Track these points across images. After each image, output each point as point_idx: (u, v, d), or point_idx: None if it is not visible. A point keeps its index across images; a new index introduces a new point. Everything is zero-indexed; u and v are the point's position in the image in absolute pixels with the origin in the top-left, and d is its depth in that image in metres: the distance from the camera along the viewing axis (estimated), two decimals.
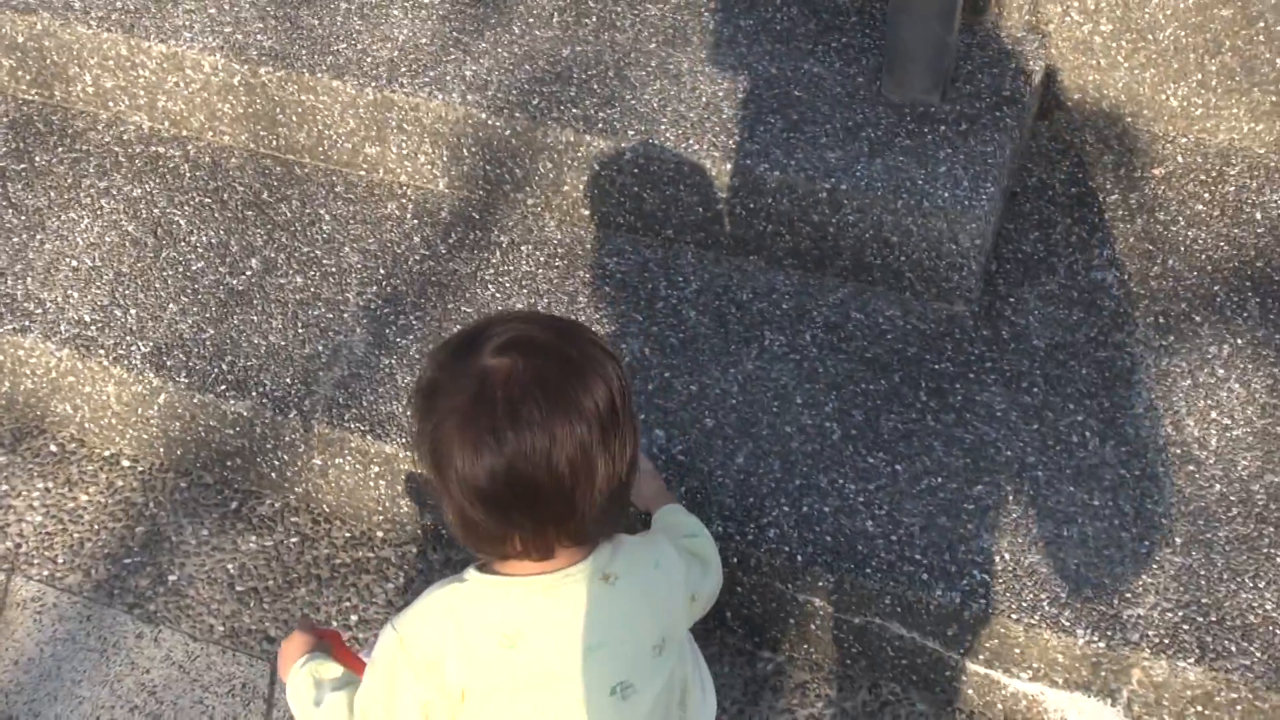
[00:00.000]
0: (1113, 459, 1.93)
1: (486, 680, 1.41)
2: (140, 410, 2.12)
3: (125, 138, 2.48)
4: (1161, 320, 2.13)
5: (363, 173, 2.40)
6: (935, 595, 1.78)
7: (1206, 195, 2.31)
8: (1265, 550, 1.80)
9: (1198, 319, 2.12)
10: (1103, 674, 1.74)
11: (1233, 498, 1.87)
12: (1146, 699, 1.74)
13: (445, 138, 2.30)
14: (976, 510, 1.87)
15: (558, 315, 1.60)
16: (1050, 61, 2.39)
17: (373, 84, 2.30)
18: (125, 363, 2.09)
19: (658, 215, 2.25)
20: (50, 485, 2.14)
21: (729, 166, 2.14)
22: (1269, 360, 2.05)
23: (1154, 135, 2.42)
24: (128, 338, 2.12)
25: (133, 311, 2.16)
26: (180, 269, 2.23)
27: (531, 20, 2.44)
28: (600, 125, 2.21)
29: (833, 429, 1.98)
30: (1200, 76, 2.35)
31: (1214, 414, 1.98)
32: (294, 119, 2.39)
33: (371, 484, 2.03)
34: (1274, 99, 2.33)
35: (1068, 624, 1.74)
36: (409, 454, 1.96)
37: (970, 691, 1.85)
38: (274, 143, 2.43)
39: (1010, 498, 1.88)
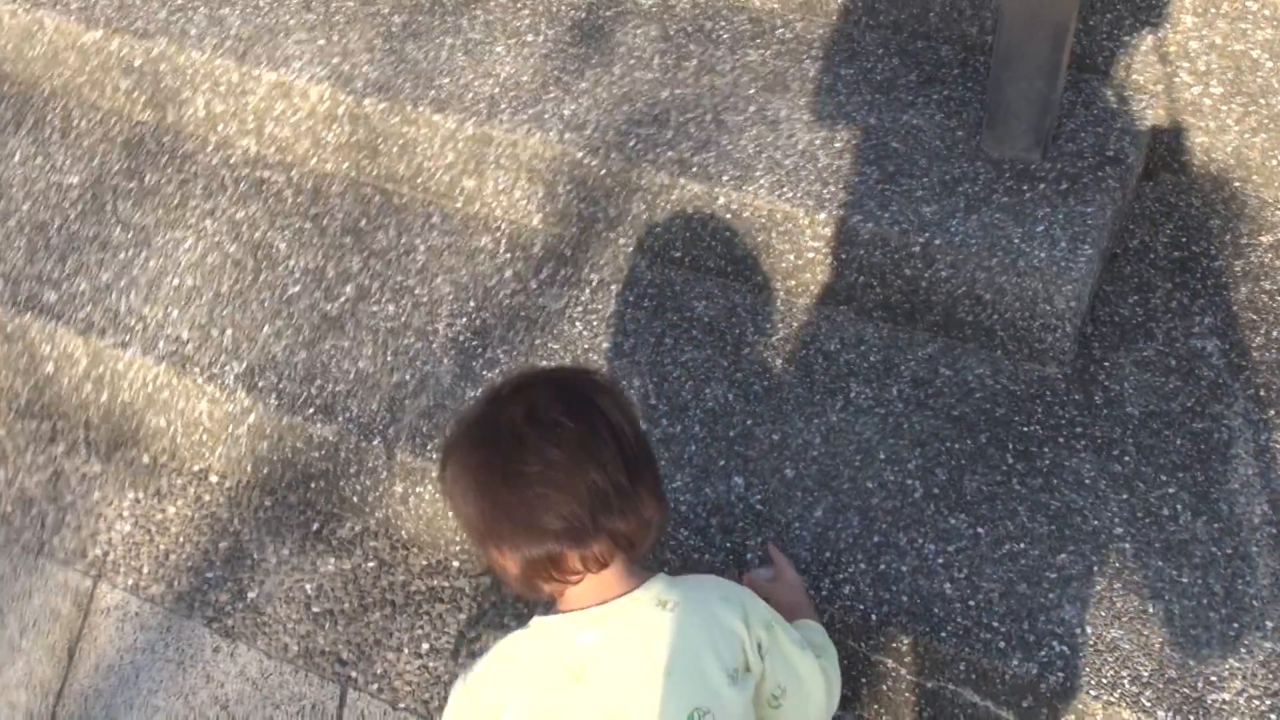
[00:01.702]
0: (1204, 535, 1.87)
1: (555, 716, 1.43)
2: (230, 428, 2.16)
3: (232, 161, 2.54)
4: (1262, 393, 2.06)
5: (459, 205, 2.44)
6: (1012, 665, 1.74)
7: None
8: None
9: None
10: None
11: None
12: None
13: (542, 174, 2.33)
14: (1059, 579, 1.83)
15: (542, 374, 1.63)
16: (1157, 122, 2.35)
17: (473, 119, 2.33)
18: (219, 381, 2.13)
19: (748, 261, 2.25)
20: (141, 496, 2.19)
21: (822, 216, 2.13)
22: None
23: (1263, 201, 2.36)
24: (222, 357, 2.17)
25: (229, 331, 2.21)
26: (277, 292, 2.28)
27: (633, 62, 2.46)
28: (695, 169, 2.22)
29: (915, 487, 1.95)
30: None
31: None
32: (395, 149, 2.43)
33: (451, 515, 2.05)
34: None
35: (1148, 704, 1.69)
36: None
37: None
38: (375, 172, 2.48)
39: (1095, 569, 1.84)
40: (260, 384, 2.13)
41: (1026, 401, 2.07)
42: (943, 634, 1.77)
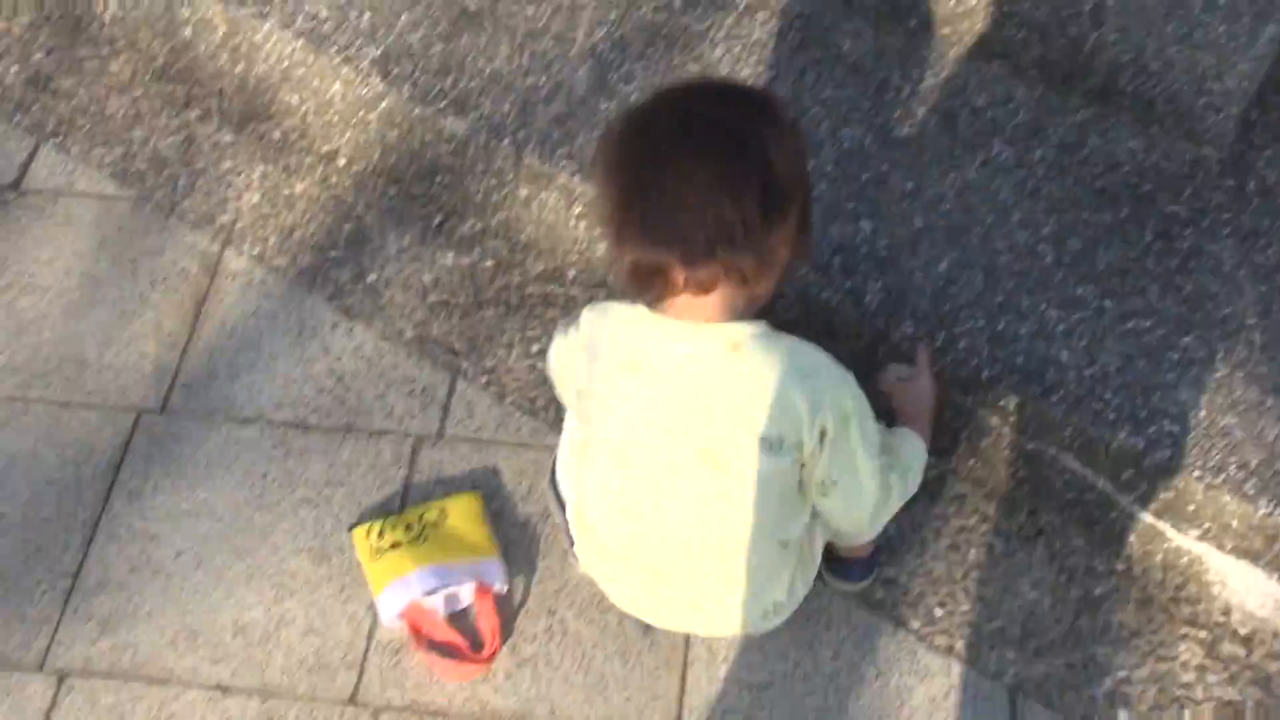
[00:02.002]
0: None
1: (604, 397, 1.50)
2: (362, 113, 2.16)
3: None
4: None
5: None
6: (1119, 436, 1.73)
7: None
8: None
9: None
10: (1277, 547, 1.69)
11: None
12: None
13: None
14: (1180, 361, 1.80)
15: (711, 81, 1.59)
16: None
17: None
18: (354, 64, 2.12)
19: (905, 5, 2.15)
20: (270, 169, 2.22)
21: None
22: None
23: None
24: (359, 39, 2.15)
25: (367, 15, 2.18)
26: None
27: None
28: None
29: (1046, 251, 1.91)
30: None
31: None
32: None
33: (572, 223, 2.05)
34: None
35: (1252, 491, 1.68)
36: None
37: (1132, 538, 1.82)
38: None
39: (1219, 356, 1.81)
40: (395, 71, 2.11)
41: (1175, 181, 2.00)
42: (1053, 399, 1.77)
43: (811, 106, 2.07)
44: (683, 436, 1.45)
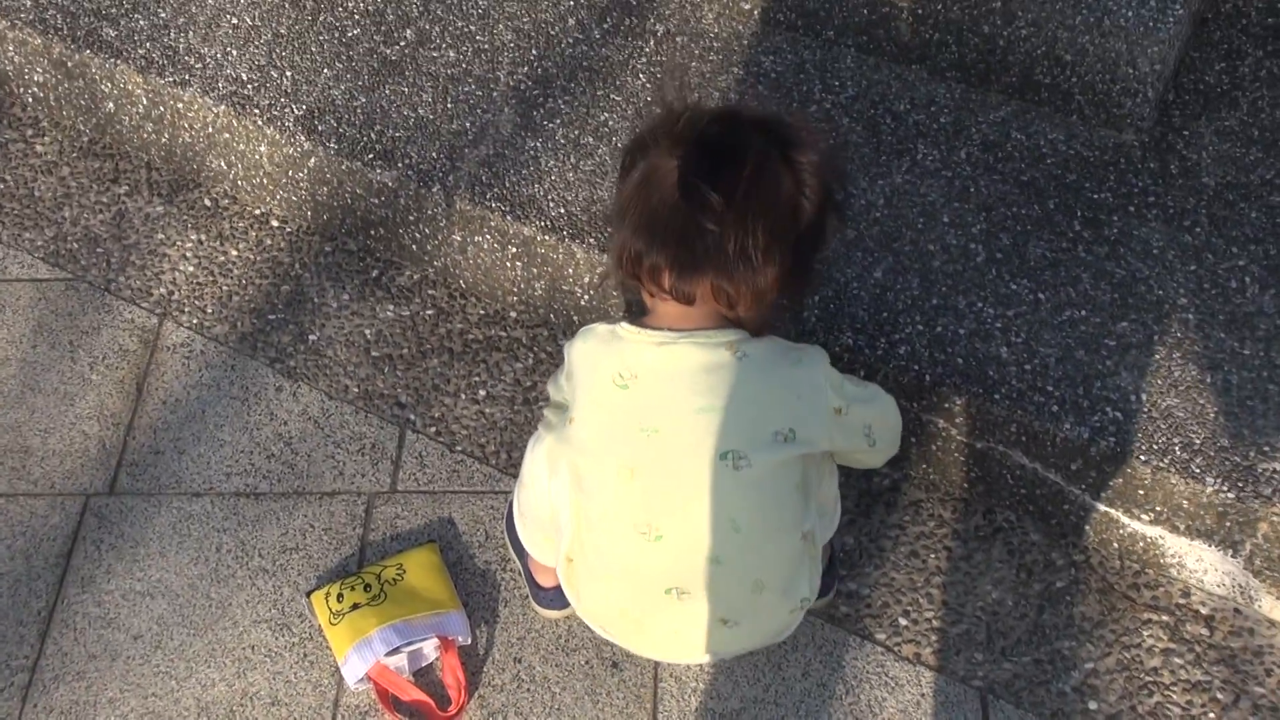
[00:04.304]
0: (1270, 309, 1.84)
1: (595, 413, 1.49)
2: (290, 172, 2.16)
3: None
4: None
5: None
6: (1063, 428, 1.74)
7: None
8: None
9: None
10: (1227, 524, 1.70)
11: None
12: (1270, 554, 1.70)
13: None
14: (1118, 347, 1.81)
15: (765, 111, 1.61)
16: None
17: None
18: (279, 124, 2.12)
19: (820, 15, 2.16)
20: (203, 238, 2.21)
21: None
22: None
23: None
24: (282, 99, 2.15)
25: (288, 74, 2.18)
26: (336, 34, 2.24)
27: None
28: None
29: (977, 250, 1.93)
30: None
31: None
32: None
33: (508, 264, 2.05)
34: None
35: (1198, 470, 1.70)
36: (547, 237, 1.96)
37: (1087, 528, 1.83)
38: None
39: (1155, 338, 1.82)
40: (320, 128, 2.11)
41: (1099, 168, 2.01)
42: (996, 396, 1.78)
43: None
44: (697, 442, 1.45)
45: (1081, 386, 1.78)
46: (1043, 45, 2.01)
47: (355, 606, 1.74)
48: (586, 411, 1.52)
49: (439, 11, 2.26)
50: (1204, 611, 1.77)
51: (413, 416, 1.99)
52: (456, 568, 1.84)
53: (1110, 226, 1.94)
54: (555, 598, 1.74)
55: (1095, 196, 1.98)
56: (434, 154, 2.07)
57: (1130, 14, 1.95)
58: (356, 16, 2.26)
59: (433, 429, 1.98)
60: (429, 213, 2.06)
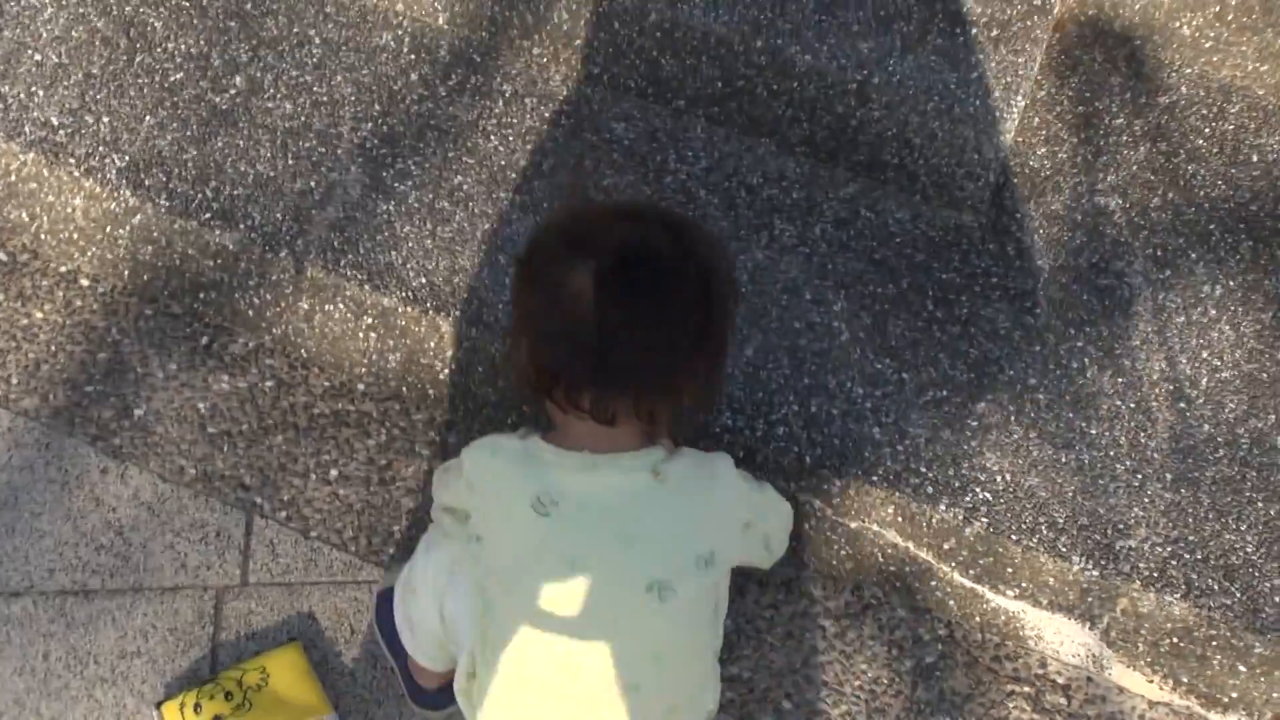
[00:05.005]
0: (1109, 389, 1.96)
1: (512, 539, 1.41)
2: (109, 228, 1.96)
3: None
4: (1159, 253, 2.15)
5: None
6: (939, 509, 1.79)
7: (1207, 131, 2.33)
8: (1247, 494, 1.87)
9: (1193, 255, 2.15)
10: (1089, 600, 1.79)
11: (1219, 439, 1.92)
12: (1126, 627, 1.80)
13: None
14: (980, 427, 1.88)
15: (679, 220, 1.54)
16: None
17: None
18: (99, 175, 1.92)
19: (672, 84, 2.15)
20: (1, 298, 1.98)
21: (760, 43, 2.05)
22: (1257, 305, 2.10)
23: (1160, 62, 2.41)
24: (101, 148, 1.95)
25: (105, 120, 1.99)
26: (157, 78, 2.05)
27: None
28: None
29: (840, 329, 1.96)
30: (1218, 9, 2.34)
31: (1205, 354, 2.03)
32: None
33: (361, 335, 1.93)
34: None
35: (1064, 550, 1.78)
36: (409, 308, 1.86)
37: (951, 603, 1.89)
38: None
39: (1012, 418, 1.90)
40: (147, 182, 1.93)
41: (944, 248, 2.09)
42: (874, 477, 1.81)
43: (595, 194, 2.04)
44: (622, 573, 1.39)
45: (952, 467, 1.83)
46: (893, 127, 2.07)
47: (217, 718, 1.59)
48: (501, 536, 1.44)
49: (269, 59, 2.12)
50: (1060, 681, 1.86)
51: (259, 500, 1.85)
52: (322, 667, 1.71)
53: (960, 306, 2.02)
54: (438, 699, 1.65)
55: (943, 276, 2.05)
56: (278, 215, 1.93)
57: (978, 103, 2.03)
58: (178, 59, 2.08)
59: (283, 513, 1.84)
60: (273, 278, 1.92)
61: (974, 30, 2.13)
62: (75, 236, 2.00)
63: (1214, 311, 2.08)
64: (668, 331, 1.36)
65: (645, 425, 1.41)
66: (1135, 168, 2.26)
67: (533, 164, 2.06)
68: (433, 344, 1.90)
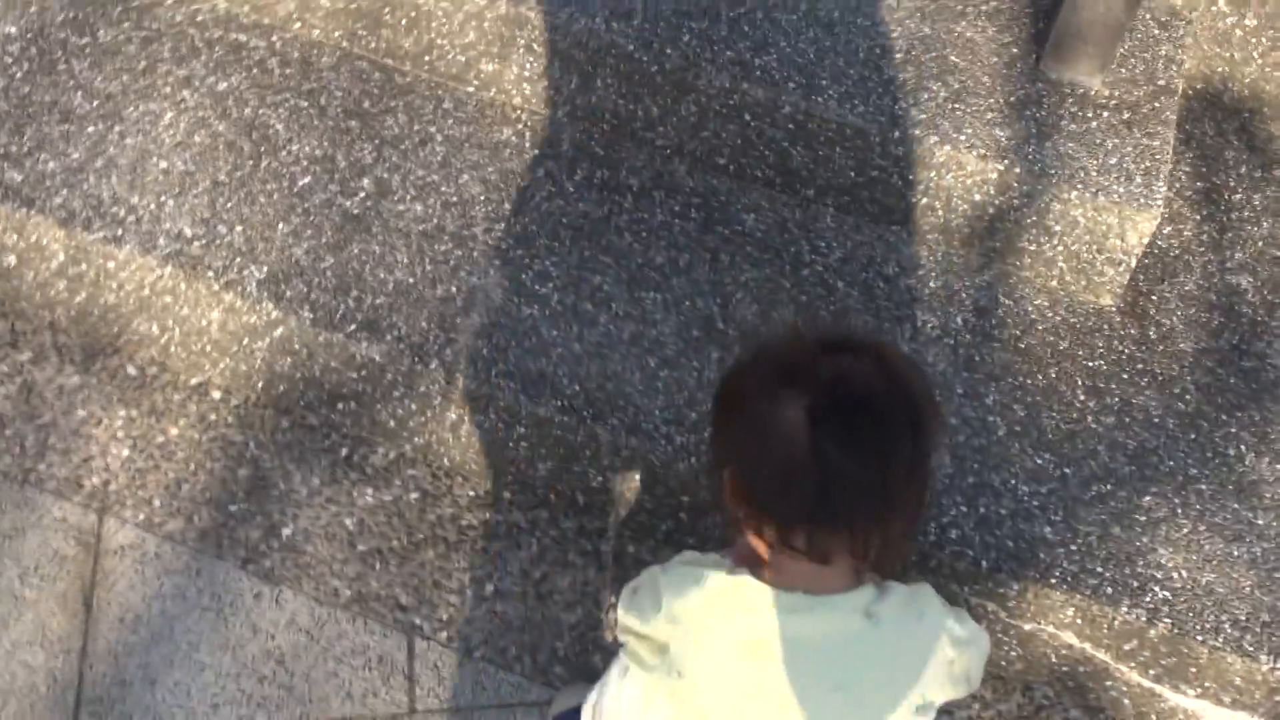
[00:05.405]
0: (1269, 476, 1.93)
1: (718, 682, 1.35)
2: (246, 340, 1.91)
3: (200, 19, 2.20)
4: None
5: (472, 89, 2.20)
6: (1121, 611, 1.76)
7: None
8: None
9: None
10: (1276, 699, 1.76)
11: None
12: None
13: (580, 64, 2.12)
14: (1149, 522, 1.85)
15: (886, 350, 1.48)
16: (1185, 48, 2.34)
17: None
18: (239, 288, 1.87)
19: (802, 174, 2.13)
20: (135, 414, 1.92)
21: (896, 134, 2.03)
22: None
23: (1273, 135, 2.40)
24: (238, 259, 1.90)
25: (239, 229, 1.94)
26: (285, 183, 2.01)
27: None
28: (758, 73, 2.06)
29: (997, 423, 1.93)
30: None
31: None
32: (403, 21, 2.16)
33: (513, 444, 1.88)
34: None
35: (1250, 648, 1.74)
36: (565, 418, 1.82)
37: (1127, 702, 1.85)
38: (373, 45, 2.20)
39: (1179, 511, 1.87)
40: (288, 294, 1.88)
41: (1087, 335, 2.07)
42: (1052, 580, 1.77)
43: (735, 290, 2.01)
44: (902, 688, 1.33)
45: (1128, 565, 1.80)
46: (1034, 215, 2.05)
47: None
48: (706, 676, 1.37)
49: (394, 159, 2.08)
50: None
51: (418, 620, 1.79)
52: None
53: (1110, 395, 1.99)
54: None
55: (1090, 364, 2.02)
56: (423, 323, 1.89)
57: (1120, 190, 2.01)
58: (304, 163, 2.04)
59: (443, 634, 1.78)
60: (422, 389, 1.87)
61: (1105, 114, 2.12)
62: (209, 349, 1.94)
63: None
64: (883, 466, 1.31)
65: (858, 562, 1.36)
66: (1261, 243, 2.24)
67: (669, 260, 2.02)
68: (589, 452, 1.85)
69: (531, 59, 2.13)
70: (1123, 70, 2.20)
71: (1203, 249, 2.23)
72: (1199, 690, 1.79)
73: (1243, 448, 1.96)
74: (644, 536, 1.93)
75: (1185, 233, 2.25)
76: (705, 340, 1.93)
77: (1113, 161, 2.05)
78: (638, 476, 1.85)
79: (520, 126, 2.17)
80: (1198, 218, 2.27)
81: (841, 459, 1.28)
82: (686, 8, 2.14)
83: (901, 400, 1.32)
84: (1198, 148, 2.37)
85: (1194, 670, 1.77)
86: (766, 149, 2.11)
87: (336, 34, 2.21)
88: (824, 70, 2.09)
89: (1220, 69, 2.38)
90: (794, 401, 1.29)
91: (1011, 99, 2.11)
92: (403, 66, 2.21)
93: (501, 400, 1.84)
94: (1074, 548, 1.81)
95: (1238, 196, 2.31)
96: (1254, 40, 2.32)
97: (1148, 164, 2.05)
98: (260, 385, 1.96)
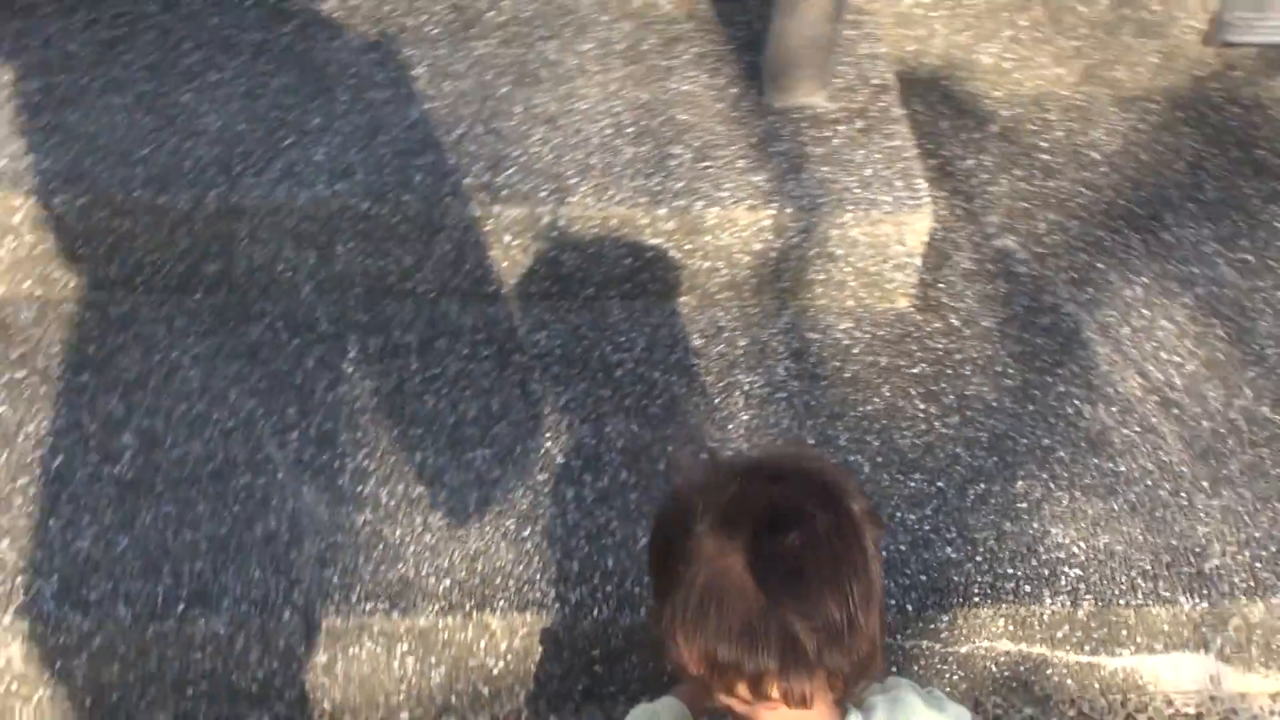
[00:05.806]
0: (1109, 420, 1.99)
1: None
2: (61, 663, 1.65)
3: None
4: (1074, 275, 2.21)
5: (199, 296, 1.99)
6: (1046, 605, 1.76)
7: (1044, 144, 2.43)
8: (1275, 473, 1.93)
9: (1100, 266, 2.23)
10: (1203, 630, 1.81)
11: (1222, 430, 1.99)
12: (1238, 641, 1.83)
13: (313, 237, 1.95)
14: (1031, 507, 1.87)
15: (804, 465, 1.38)
16: (879, 40, 2.40)
17: (212, 190, 1.90)
18: (33, 611, 1.61)
19: (577, 277, 2.04)
20: None
21: (663, 211, 1.97)
22: (1174, 291, 2.19)
23: (970, 94, 2.50)
24: (19, 579, 1.64)
25: (5, 543, 1.67)
26: (37, 471, 1.75)
27: (355, 83, 2.11)
28: (506, 192, 1.96)
29: (859, 461, 1.90)
30: (1011, 33, 2.44)
31: (1162, 354, 2.09)
32: None
33: (397, 664, 1.71)
34: (1075, 44, 2.47)
35: (1166, 594, 1.78)
36: (447, 619, 1.66)
37: (1070, 682, 1.86)
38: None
39: (1051, 485, 1.89)
40: (93, 596, 1.63)
41: (898, 343, 2.07)
42: (975, 598, 1.76)
43: (559, 419, 1.89)
44: None
45: (1032, 557, 1.81)
46: (815, 247, 2.04)
47: None
48: None
49: (147, 401, 1.85)
50: (1191, 711, 1.86)
51: None
52: None
53: (944, 395, 2.00)
54: None
55: (913, 371, 2.03)
56: (256, 573, 1.68)
57: (888, 199, 2.03)
58: (49, 440, 1.78)
59: None
60: (281, 644, 1.67)
61: (841, 128, 2.13)
62: (17, 688, 1.67)
63: (1146, 312, 2.16)
64: (841, 596, 1.25)
65: (839, 693, 1.29)
66: (1007, 200, 2.32)
67: (482, 410, 1.89)
68: (482, 643, 1.70)
69: (255, 249, 1.95)
70: (838, 81, 2.22)
71: (961, 223, 2.28)
72: (1133, 648, 1.82)
73: (1077, 403, 2.01)
74: (561, 703, 1.79)
75: (940, 213, 2.29)
76: (553, 481, 1.81)
77: (869, 173, 2.06)
78: (540, 649, 1.72)
79: (268, 320, 1.98)
80: (944, 194, 2.33)
81: (798, 603, 1.20)
82: (405, 146, 2.01)
83: (844, 520, 1.25)
84: (917, 128, 2.42)
85: (1124, 632, 1.80)
86: (536, 263, 2.01)
87: (26, 284, 1.95)
88: (568, 168, 2.01)
89: (911, 48, 2.45)
90: (738, 549, 1.21)
91: (753, 141, 2.09)
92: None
93: (374, 625, 1.66)
94: (979, 559, 1.80)
95: (969, 163, 2.38)
96: (934, 14, 2.40)
97: (900, 165, 2.08)
98: (88, 704, 1.70)
